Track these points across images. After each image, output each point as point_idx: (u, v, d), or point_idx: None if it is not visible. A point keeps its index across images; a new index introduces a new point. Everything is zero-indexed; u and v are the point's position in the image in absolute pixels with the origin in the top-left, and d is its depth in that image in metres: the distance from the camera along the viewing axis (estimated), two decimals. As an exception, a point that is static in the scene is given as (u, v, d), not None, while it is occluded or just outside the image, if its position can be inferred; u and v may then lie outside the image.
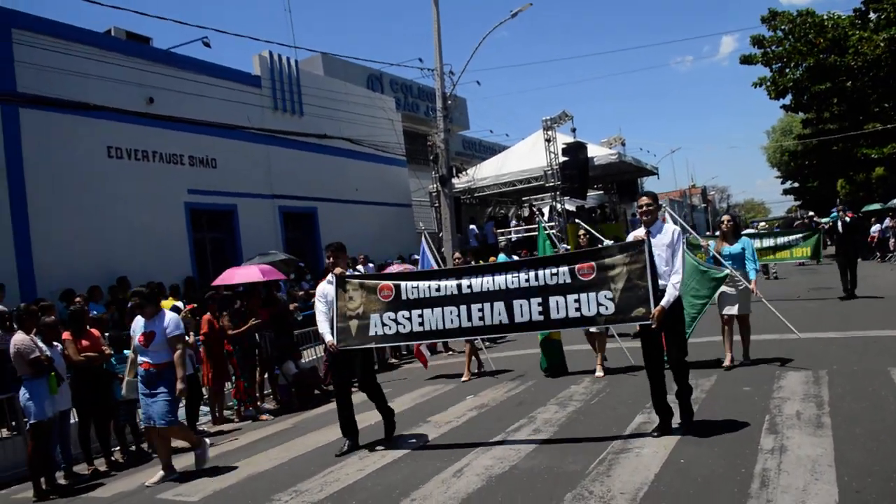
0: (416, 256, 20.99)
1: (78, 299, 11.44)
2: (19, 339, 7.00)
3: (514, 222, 28.84)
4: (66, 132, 13.91)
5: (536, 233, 11.40)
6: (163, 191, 15.94)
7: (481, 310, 6.19)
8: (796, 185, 48.91)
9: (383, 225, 23.79)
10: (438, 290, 6.35)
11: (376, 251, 20.48)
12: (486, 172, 25.41)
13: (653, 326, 5.56)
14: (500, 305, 6.12)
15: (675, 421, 6.02)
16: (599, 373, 9.04)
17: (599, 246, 7.31)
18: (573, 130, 23.53)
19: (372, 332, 6.48)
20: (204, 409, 10.19)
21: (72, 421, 7.86)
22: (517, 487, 5.09)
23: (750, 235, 17.27)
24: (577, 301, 5.88)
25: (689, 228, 11.30)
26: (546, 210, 27.38)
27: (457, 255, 12.20)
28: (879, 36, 28.49)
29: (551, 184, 22.69)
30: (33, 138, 13.34)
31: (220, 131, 17.05)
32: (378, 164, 23.78)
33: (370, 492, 5.48)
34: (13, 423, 8.22)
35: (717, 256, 8.48)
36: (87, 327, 8.01)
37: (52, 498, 6.84)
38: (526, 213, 30.53)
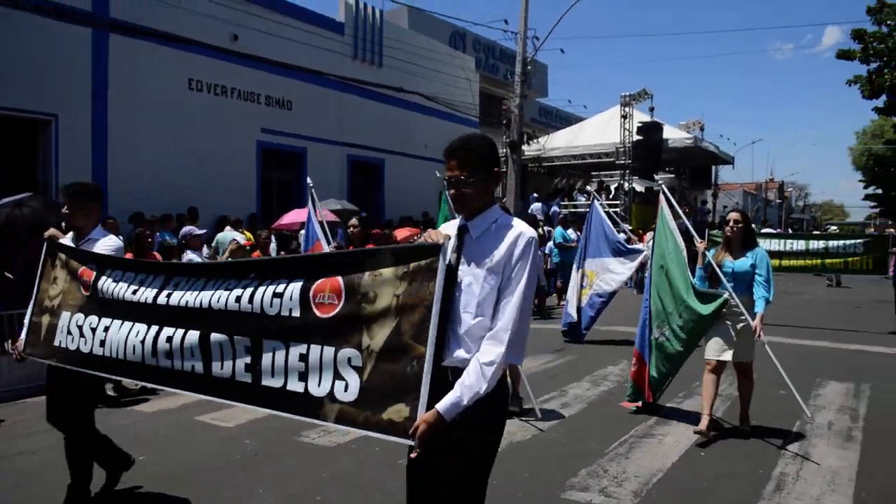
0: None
1: (150, 220, 12.00)
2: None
3: (581, 198, 28.52)
4: (152, 61, 14.35)
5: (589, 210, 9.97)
6: (237, 127, 16.32)
7: (169, 340, 3.26)
8: (879, 191, 46.65)
9: (449, 184, 23.80)
10: (135, 292, 3.53)
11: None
12: (557, 143, 25.18)
13: (412, 454, 2.48)
14: (193, 338, 3.15)
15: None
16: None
17: (367, 248, 4.40)
18: (651, 109, 23.07)
19: (56, 341, 3.90)
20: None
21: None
22: (534, 455, 5.20)
23: (795, 237, 14.82)
24: (304, 359, 2.72)
25: (689, 226, 7.45)
26: (613, 187, 26.99)
27: (352, 221, 7.65)
28: None
29: (621, 161, 22.38)
30: (120, 64, 13.80)
31: (298, 74, 17.31)
32: (450, 122, 23.75)
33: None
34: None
35: (716, 269, 5.63)
36: (149, 252, 8.38)
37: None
38: (593, 188, 30.12)
